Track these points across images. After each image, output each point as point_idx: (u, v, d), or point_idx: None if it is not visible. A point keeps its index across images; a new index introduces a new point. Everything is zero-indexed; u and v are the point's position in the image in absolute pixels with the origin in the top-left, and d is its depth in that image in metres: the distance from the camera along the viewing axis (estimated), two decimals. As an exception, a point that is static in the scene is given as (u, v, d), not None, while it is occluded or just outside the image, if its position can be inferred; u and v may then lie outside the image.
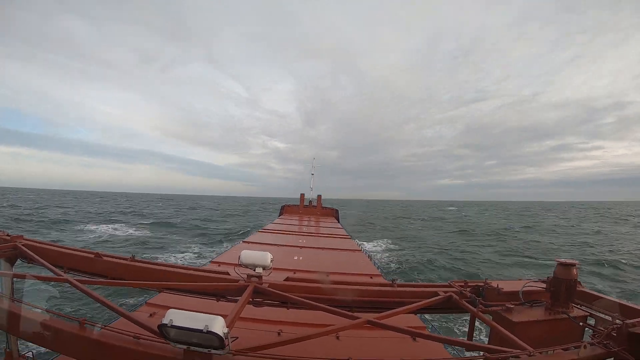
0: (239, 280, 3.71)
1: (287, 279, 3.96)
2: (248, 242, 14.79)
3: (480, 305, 3.65)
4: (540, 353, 2.54)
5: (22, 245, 4.15)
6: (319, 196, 36.22)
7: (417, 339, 5.04)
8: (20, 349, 4.27)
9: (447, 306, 3.85)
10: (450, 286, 4.14)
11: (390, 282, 4.20)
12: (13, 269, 4.20)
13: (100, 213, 65.81)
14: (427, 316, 7.56)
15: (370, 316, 3.23)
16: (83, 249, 4.44)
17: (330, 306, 3.42)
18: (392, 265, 25.83)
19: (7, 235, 4.38)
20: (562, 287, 3.53)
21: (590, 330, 3.39)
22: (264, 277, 3.73)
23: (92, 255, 4.10)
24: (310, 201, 36.61)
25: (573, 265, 3.60)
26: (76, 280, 3.38)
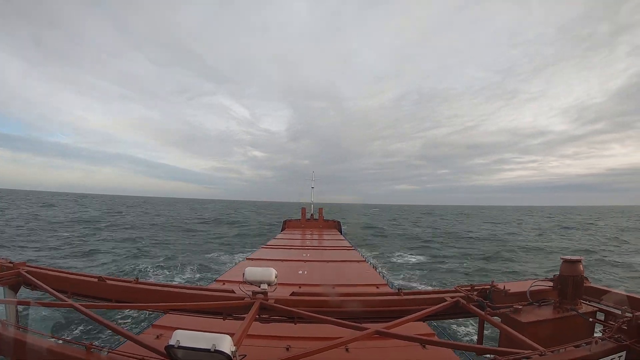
0: (244, 297, 3.70)
1: (292, 294, 3.93)
2: (252, 259, 14.68)
3: (488, 308, 3.62)
4: (552, 352, 2.52)
5: (25, 271, 4.15)
6: (320, 209, 36.11)
7: (427, 346, 4.97)
8: None
9: (455, 311, 3.82)
10: (456, 291, 4.11)
11: (397, 291, 4.18)
12: (17, 296, 4.19)
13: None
14: (435, 323, 7.47)
15: (379, 326, 3.20)
16: (86, 274, 4.44)
17: (337, 318, 3.39)
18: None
19: (10, 262, 4.39)
20: (569, 284, 3.51)
21: (601, 326, 3.35)
22: (269, 293, 3.72)
23: (96, 279, 4.10)
24: (312, 214, 36.48)
25: (578, 261, 3.59)
26: (80, 304, 3.37)
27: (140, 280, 4.22)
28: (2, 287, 4.08)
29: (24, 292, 4.34)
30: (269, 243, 21.55)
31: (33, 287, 4.08)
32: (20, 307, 3.93)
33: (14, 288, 4.16)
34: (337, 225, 34.20)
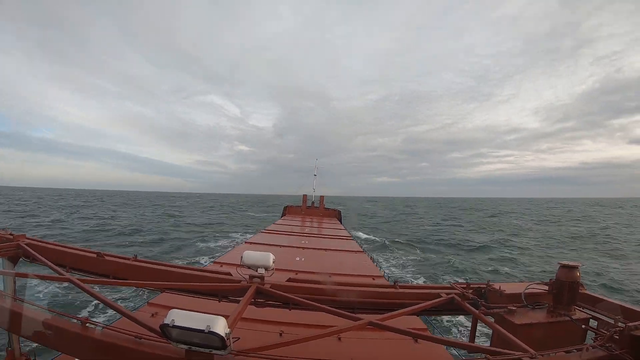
0: (241, 280, 3.71)
1: (289, 280, 3.95)
2: (250, 243, 14.79)
3: (483, 307, 3.63)
4: (542, 355, 2.53)
5: (25, 244, 4.16)
6: (322, 197, 36.08)
7: (418, 340, 5.02)
8: (22, 347, 4.29)
9: (449, 308, 3.83)
10: (452, 288, 4.13)
11: (393, 284, 4.19)
12: (15, 268, 4.22)
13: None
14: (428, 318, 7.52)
15: (372, 317, 3.22)
16: (85, 249, 4.45)
17: (332, 307, 3.40)
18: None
19: (10, 234, 4.40)
20: (565, 289, 3.51)
21: (593, 333, 3.36)
22: (266, 278, 3.72)
23: (94, 255, 4.11)
24: (312, 202, 36.54)
25: (576, 267, 3.57)
26: (78, 279, 3.39)
27: (139, 258, 4.24)
28: (1, 259, 4.11)
29: (23, 265, 4.38)
30: (268, 228, 21.66)
31: (32, 259, 4.10)
32: (18, 279, 3.96)
33: (13, 260, 4.18)
34: (337, 215, 34.26)
